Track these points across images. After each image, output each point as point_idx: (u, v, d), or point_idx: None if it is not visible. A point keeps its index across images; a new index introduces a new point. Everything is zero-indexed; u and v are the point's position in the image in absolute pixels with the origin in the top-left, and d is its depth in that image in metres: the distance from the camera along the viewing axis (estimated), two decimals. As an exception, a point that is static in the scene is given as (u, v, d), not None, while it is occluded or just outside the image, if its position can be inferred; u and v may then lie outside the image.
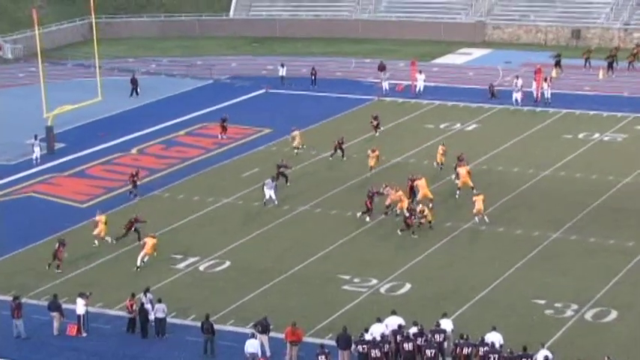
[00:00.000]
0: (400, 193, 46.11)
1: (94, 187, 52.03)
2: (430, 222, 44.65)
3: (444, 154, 52.17)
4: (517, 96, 64.59)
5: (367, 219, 45.65)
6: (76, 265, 42.36)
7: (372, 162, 52.14)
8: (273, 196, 47.81)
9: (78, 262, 42.69)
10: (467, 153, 52.63)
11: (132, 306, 36.51)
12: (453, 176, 49.59)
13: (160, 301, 36.61)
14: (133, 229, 44.16)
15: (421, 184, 47.08)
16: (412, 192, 47.09)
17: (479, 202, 45.03)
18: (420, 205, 45.22)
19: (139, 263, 41.90)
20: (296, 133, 56.28)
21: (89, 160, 56.13)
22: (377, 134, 58.47)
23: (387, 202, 46.38)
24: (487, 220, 45.02)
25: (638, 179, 50.47)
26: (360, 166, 53.14)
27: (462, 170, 48.63)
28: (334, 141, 54.46)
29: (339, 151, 54.32)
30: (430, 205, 46.05)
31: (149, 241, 42.38)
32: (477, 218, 45.01)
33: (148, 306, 36.48)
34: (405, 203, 45.43)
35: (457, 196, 48.16)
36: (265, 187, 47.99)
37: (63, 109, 59.46)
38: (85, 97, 62.08)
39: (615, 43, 78.71)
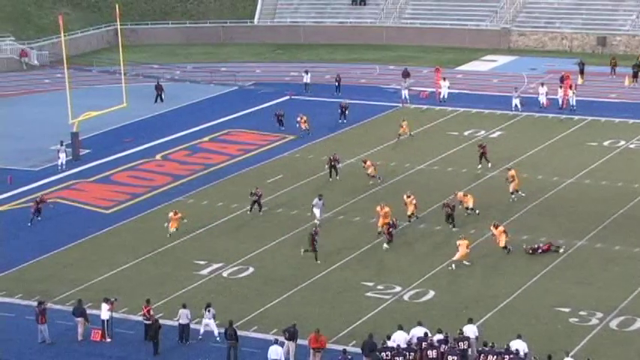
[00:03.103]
0: (387, 210, 45.01)
1: (119, 192, 52.23)
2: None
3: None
4: (542, 101, 64.63)
5: (386, 246, 44.14)
6: (101, 271, 42.52)
7: (370, 171, 51.31)
8: (319, 216, 46.24)
9: (103, 267, 42.85)
10: (491, 160, 52.56)
11: (149, 312, 36.58)
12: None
13: (184, 306, 36.70)
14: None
15: (409, 201, 46.55)
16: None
17: (462, 247, 41.85)
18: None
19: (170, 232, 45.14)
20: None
21: (114, 166, 56.36)
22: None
23: (409, 212, 46.17)
24: (467, 263, 42.15)
25: (664, 187, 50.17)
26: (385, 173, 53.03)
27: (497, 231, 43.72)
28: (328, 157, 52.62)
29: (334, 167, 52.21)
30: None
31: (173, 216, 45.43)
32: (453, 265, 42.03)
33: (210, 321, 36.28)
34: (382, 221, 44.39)
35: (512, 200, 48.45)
36: (314, 208, 46.50)
37: (88, 115, 59.74)
38: (110, 104, 62.36)
39: (641, 50, 78.42)
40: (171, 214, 45.88)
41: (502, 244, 42.85)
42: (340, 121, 62.11)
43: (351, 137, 59.62)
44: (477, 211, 46.62)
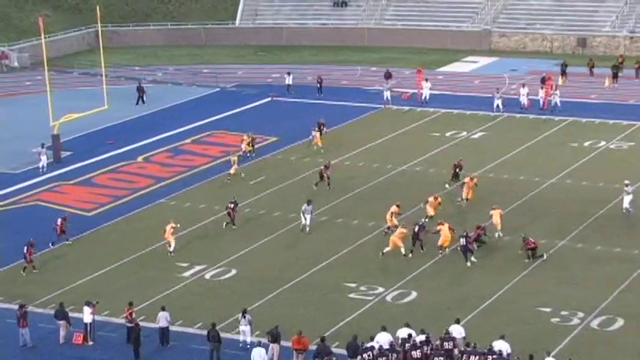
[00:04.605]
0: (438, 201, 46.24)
1: (101, 195, 52.10)
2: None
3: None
4: (523, 101, 64.90)
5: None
6: (83, 274, 42.40)
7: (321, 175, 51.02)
8: (308, 223, 45.81)
9: (85, 270, 42.74)
10: (472, 161, 52.70)
11: (131, 315, 36.48)
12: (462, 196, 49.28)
13: (163, 309, 36.61)
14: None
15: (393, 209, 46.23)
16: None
17: (443, 231, 42.84)
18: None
19: (171, 250, 43.92)
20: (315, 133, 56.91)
21: (95, 169, 56.21)
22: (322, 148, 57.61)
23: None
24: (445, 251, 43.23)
25: (645, 187, 50.40)
26: (367, 174, 53.16)
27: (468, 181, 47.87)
28: (320, 168, 51.95)
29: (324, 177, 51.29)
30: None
31: (166, 227, 43.97)
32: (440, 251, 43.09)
33: (246, 328, 35.58)
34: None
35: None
36: (305, 213, 45.96)
37: (69, 117, 59.58)
38: (91, 106, 62.20)
39: (621, 51, 78.73)
40: (168, 228, 44.20)
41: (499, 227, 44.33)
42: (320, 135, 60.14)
43: (333, 139, 59.62)
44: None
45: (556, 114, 63.56)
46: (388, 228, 44.96)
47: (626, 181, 48.12)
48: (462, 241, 42.30)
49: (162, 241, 44.92)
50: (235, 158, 54.09)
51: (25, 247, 42.60)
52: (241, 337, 35.83)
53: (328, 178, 51.22)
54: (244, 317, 35.87)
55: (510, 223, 45.99)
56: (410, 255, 42.85)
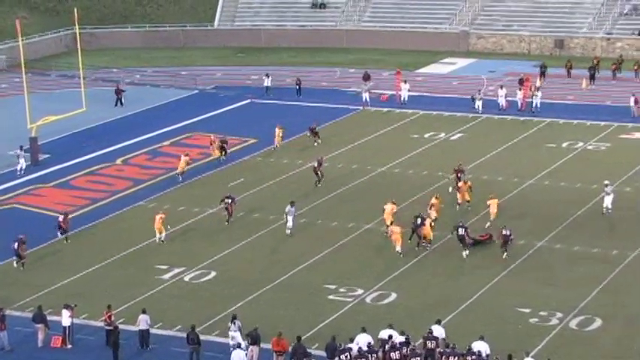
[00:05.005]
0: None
1: (79, 198, 51.91)
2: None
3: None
4: (501, 103, 65.14)
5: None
6: (61, 276, 42.24)
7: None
8: (290, 225, 45.76)
9: (63, 273, 42.57)
10: (451, 162, 52.78)
11: (110, 318, 36.37)
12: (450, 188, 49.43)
13: (144, 312, 36.52)
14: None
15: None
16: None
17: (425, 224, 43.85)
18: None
19: (162, 237, 45.16)
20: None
21: (74, 171, 56.00)
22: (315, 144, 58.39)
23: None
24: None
25: (622, 188, 50.64)
26: (346, 176, 53.19)
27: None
28: (313, 164, 52.35)
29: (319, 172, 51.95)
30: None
31: (156, 217, 45.06)
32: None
33: (236, 334, 35.36)
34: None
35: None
36: (288, 215, 45.86)
37: (47, 119, 59.34)
38: (69, 108, 61.96)
39: (598, 52, 79.15)
40: (155, 217, 45.46)
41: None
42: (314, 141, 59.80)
43: (312, 140, 59.55)
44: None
45: (536, 115, 63.80)
46: (387, 227, 44.90)
47: (606, 182, 48.37)
48: (461, 231, 43.03)
49: (142, 244, 44.82)
50: (187, 159, 54.09)
51: (16, 244, 42.63)
52: (231, 343, 35.51)
53: (322, 175, 51.58)
54: (234, 323, 35.68)
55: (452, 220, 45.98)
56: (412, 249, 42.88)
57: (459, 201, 48.39)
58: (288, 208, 46.01)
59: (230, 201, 47.43)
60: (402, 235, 43.51)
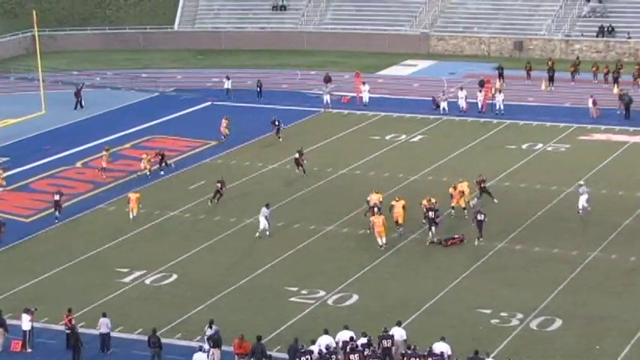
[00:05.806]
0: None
1: (39, 201, 51.51)
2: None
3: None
4: (462, 104, 65.45)
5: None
6: (21, 280, 41.90)
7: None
8: (267, 227, 45.53)
9: (23, 276, 42.23)
10: (411, 164, 52.95)
11: (70, 321, 36.14)
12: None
13: (104, 315, 36.33)
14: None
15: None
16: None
17: (398, 206, 45.05)
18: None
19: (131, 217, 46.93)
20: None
21: (33, 174, 55.57)
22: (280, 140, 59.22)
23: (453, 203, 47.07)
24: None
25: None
26: (307, 178, 53.22)
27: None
28: (295, 157, 53.31)
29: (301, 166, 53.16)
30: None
31: (132, 196, 47.21)
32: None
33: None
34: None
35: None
36: (260, 216, 45.69)
37: (6, 122, 58.90)
38: (28, 111, 61.59)
39: (557, 54, 79.79)
40: (130, 196, 47.47)
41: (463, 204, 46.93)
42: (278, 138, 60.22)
43: (273, 142, 59.60)
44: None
45: (499, 117, 64.16)
46: (365, 214, 45.68)
47: (580, 182, 48.69)
48: (431, 214, 44.17)
49: (103, 247, 44.59)
50: (148, 157, 54.66)
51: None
52: (206, 347, 35.09)
53: (302, 165, 52.97)
54: (211, 328, 35.44)
55: (450, 225, 46.35)
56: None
57: (454, 206, 47.82)
58: (263, 209, 45.87)
59: (220, 185, 49.07)
60: (386, 226, 43.76)
